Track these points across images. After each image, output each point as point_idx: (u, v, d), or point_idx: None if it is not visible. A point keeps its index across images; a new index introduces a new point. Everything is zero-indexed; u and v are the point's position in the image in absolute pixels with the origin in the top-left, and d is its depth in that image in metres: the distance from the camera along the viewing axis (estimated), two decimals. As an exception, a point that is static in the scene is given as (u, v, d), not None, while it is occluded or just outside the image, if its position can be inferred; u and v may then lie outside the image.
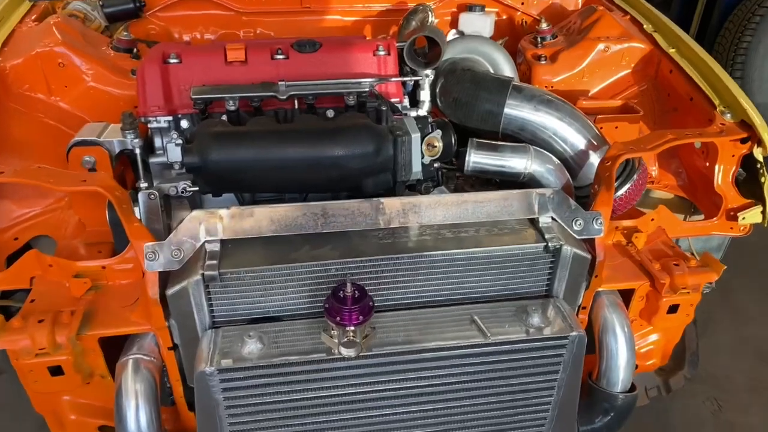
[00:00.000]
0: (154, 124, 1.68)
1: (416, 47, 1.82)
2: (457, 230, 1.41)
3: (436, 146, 1.48)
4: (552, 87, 2.12)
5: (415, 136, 1.45)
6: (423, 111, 1.85)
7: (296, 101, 1.70)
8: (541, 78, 2.11)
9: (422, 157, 1.47)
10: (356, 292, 1.24)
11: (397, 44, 1.82)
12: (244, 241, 1.34)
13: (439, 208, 1.39)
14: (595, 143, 1.68)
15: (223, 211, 1.32)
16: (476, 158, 1.58)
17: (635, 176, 1.67)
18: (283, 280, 1.33)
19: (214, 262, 1.29)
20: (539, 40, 2.19)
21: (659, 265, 1.62)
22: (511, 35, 2.50)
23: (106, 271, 1.47)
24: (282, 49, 1.74)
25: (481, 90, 1.70)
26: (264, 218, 1.33)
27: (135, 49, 1.99)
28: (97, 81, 1.88)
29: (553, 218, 1.43)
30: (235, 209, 1.33)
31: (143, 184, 1.53)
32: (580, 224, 1.43)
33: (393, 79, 1.76)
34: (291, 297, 1.35)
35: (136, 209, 1.53)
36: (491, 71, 1.88)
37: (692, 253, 2.05)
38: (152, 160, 1.72)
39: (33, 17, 2.08)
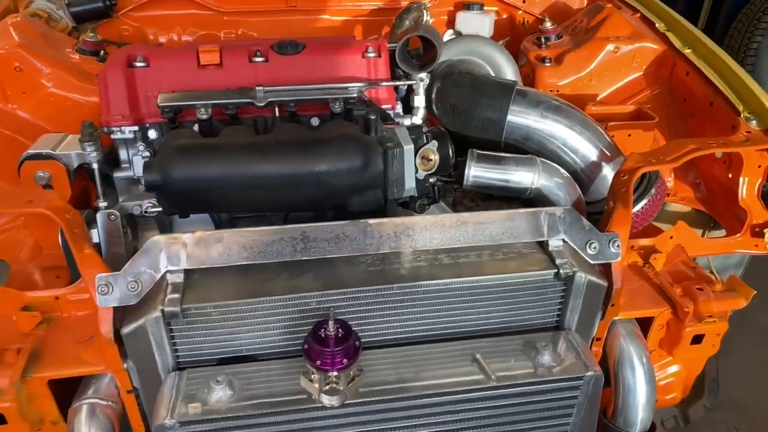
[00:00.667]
0: (118, 135, 1.51)
1: (410, 48, 1.65)
2: (456, 255, 1.24)
3: (431, 159, 1.31)
4: (557, 91, 1.95)
5: (408, 148, 1.28)
6: (417, 118, 1.69)
7: (277, 108, 1.54)
8: (545, 81, 1.95)
9: (416, 172, 1.30)
10: (340, 330, 1.07)
11: (389, 45, 1.65)
12: (212, 270, 1.17)
13: (435, 230, 1.22)
14: (609, 154, 1.52)
15: (187, 237, 1.15)
16: (477, 172, 1.41)
17: (653, 190, 1.50)
18: (256, 315, 1.16)
19: (176, 296, 1.12)
20: (543, 40, 2.03)
21: (681, 290, 1.45)
22: (513, 36, 2.33)
23: (59, 301, 1.30)
24: (261, 51, 1.57)
25: (482, 95, 1.53)
26: (234, 244, 1.16)
27: (102, 52, 1.82)
28: (59, 87, 1.71)
29: (564, 241, 1.26)
30: (201, 234, 1.16)
31: (102, 203, 1.36)
32: (595, 247, 1.26)
33: (384, 83, 1.59)
34: (266, 334, 1.18)
35: (95, 231, 1.36)
36: (492, 74, 1.71)
37: (712, 272, 1.89)
38: (117, 174, 1.55)
39: (-9, 17, 1.90)
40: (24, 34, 1.73)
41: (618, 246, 1.27)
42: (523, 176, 1.41)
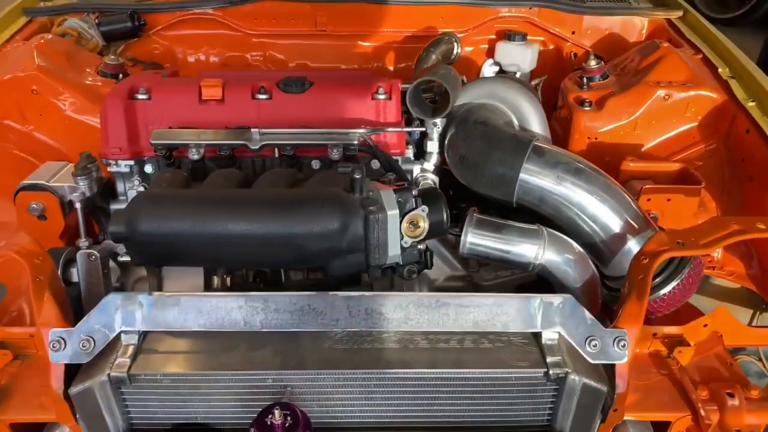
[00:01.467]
0: (114, 168, 1.48)
1: (432, 85, 1.53)
2: (436, 338, 1.11)
3: (420, 226, 1.18)
4: (596, 138, 1.77)
5: (392, 214, 1.16)
6: (429, 164, 1.57)
7: (276, 149, 1.46)
8: (583, 126, 1.76)
9: (401, 239, 1.18)
10: (288, 418, 0.98)
11: (402, 86, 1.54)
12: (170, 332, 1.10)
13: (412, 310, 1.10)
14: (635, 225, 1.33)
15: (143, 297, 1.09)
16: (474, 239, 1.27)
17: (686, 270, 1.30)
18: (209, 387, 1.08)
19: (126, 360, 1.06)
20: (585, 80, 1.83)
21: (707, 393, 1.24)
22: (558, 69, 2.15)
23: (34, 339, 1.28)
24: (265, 88, 1.50)
25: (494, 149, 1.38)
26: (191, 309, 1.09)
27: (121, 75, 1.81)
28: (75, 110, 1.72)
29: (561, 333, 1.10)
30: (158, 296, 1.09)
31: (83, 243, 1.33)
32: (596, 345, 1.09)
33: (389, 129, 1.48)
34: (220, 406, 1.10)
35: (75, 270, 1.34)
36: (515, 123, 1.55)
37: (761, 358, 1.65)
38: (114, 207, 1.53)
39: (25, 35, 1.94)
40: (46, 56, 1.74)
41: (624, 346, 1.10)
42: (526, 249, 1.25)
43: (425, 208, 1.19)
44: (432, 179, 1.55)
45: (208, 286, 1.35)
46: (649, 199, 1.51)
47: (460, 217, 1.66)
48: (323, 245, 1.15)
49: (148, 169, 1.49)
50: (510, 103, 1.56)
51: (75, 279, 1.34)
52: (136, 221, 1.14)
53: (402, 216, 1.18)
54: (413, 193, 1.20)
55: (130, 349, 1.09)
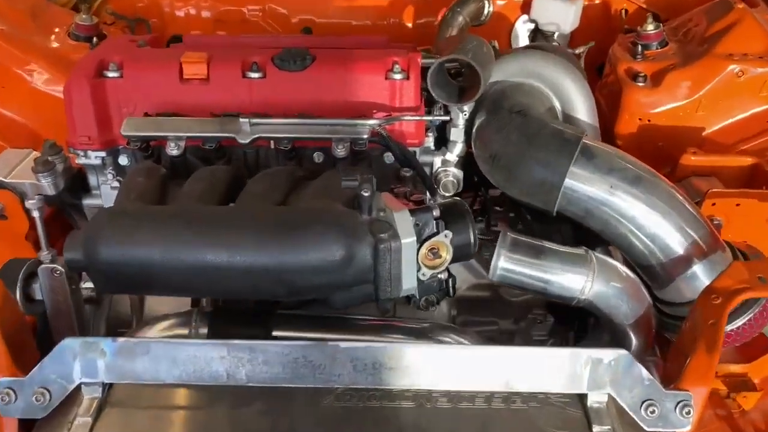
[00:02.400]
0: (83, 160, 1.27)
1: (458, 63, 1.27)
2: (458, 395, 0.92)
3: (441, 256, 0.96)
4: (648, 120, 1.50)
5: (408, 242, 0.94)
6: (452, 155, 1.33)
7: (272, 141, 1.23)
8: (634, 105, 1.50)
9: (419, 270, 0.97)
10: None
11: (424, 61, 1.27)
12: (140, 384, 0.93)
13: (429, 364, 0.90)
14: (703, 246, 1.09)
15: (106, 343, 0.90)
16: (507, 264, 1.05)
17: (761, 304, 1.08)
18: (186, 450, 0.91)
19: (87, 420, 0.89)
20: (640, 48, 1.54)
21: (776, 447, 1.06)
22: (605, 30, 1.84)
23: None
24: (258, 64, 1.25)
25: (534, 147, 1.14)
26: (164, 358, 0.90)
27: (95, 39, 1.56)
28: (42, 81, 1.48)
29: (611, 395, 0.90)
30: (124, 342, 0.91)
31: (45, 255, 1.13)
32: (654, 411, 0.89)
33: (407, 117, 1.23)
34: (201, 469, 0.94)
35: (37, 286, 1.15)
36: (557, 109, 1.29)
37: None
38: (87, 202, 1.33)
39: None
40: (5, 17, 1.49)
41: (689, 413, 0.89)
42: (571, 280, 1.03)
43: (449, 233, 0.96)
44: (455, 175, 1.32)
45: (195, 303, 1.17)
46: (714, 204, 1.26)
47: (483, 212, 1.47)
48: (322, 280, 0.94)
49: (123, 160, 1.27)
50: (552, 84, 1.30)
51: (38, 296, 1.16)
52: (96, 247, 0.94)
53: (420, 243, 0.96)
54: (434, 213, 0.97)
55: (93, 404, 0.91)
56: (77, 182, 1.30)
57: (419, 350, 0.92)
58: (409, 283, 0.98)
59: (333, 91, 1.25)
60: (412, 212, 0.96)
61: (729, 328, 1.09)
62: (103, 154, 1.26)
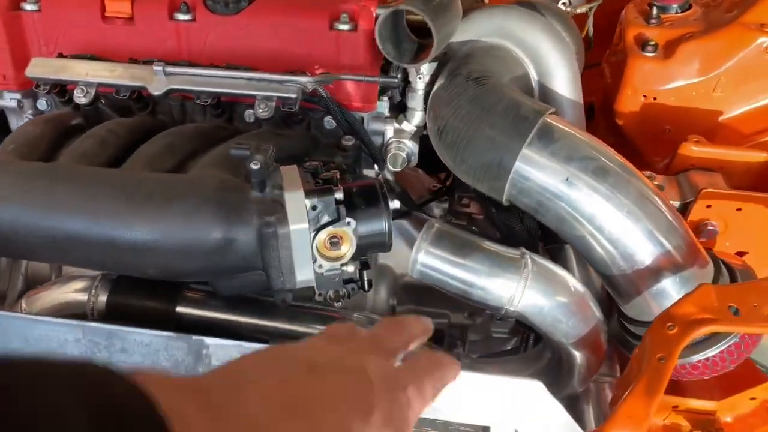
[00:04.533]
0: (0, 102, 1.16)
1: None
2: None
3: (342, 249, 0.81)
4: (654, 98, 1.27)
5: (298, 229, 0.79)
6: (410, 125, 1.16)
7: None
8: (637, 79, 1.27)
9: (314, 261, 0.82)
10: None
11: (378, 10, 1.09)
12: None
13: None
14: (677, 258, 0.90)
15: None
16: (427, 260, 0.89)
17: (738, 336, 0.89)
18: None
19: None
20: (656, 11, 1.30)
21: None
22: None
23: None
24: (188, 5, 1.09)
25: (484, 123, 0.95)
26: (15, 335, 0.81)
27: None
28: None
29: (519, 432, 0.76)
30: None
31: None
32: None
33: (345, 76, 1.06)
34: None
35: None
36: (533, 78, 1.09)
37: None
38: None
39: None
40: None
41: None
42: (497, 286, 0.87)
43: (352, 222, 0.81)
44: (407, 148, 1.15)
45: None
46: (709, 206, 1.05)
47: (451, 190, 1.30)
48: (196, 263, 0.81)
49: (42, 105, 1.15)
50: (529, 48, 1.09)
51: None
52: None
53: (316, 231, 0.81)
54: (337, 197, 0.81)
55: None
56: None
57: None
58: (304, 275, 0.84)
59: (269, 41, 1.08)
60: (309, 193, 0.81)
61: (697, 357, 0.91)
62: (18, 96, 1.15)
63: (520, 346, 1.29)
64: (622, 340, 1.00)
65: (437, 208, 1.37)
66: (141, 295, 1.01)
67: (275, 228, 0.79)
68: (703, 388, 1.01)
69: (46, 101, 1.15)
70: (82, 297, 1.03)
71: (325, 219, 0.81)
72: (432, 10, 0.99)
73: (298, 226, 0.79)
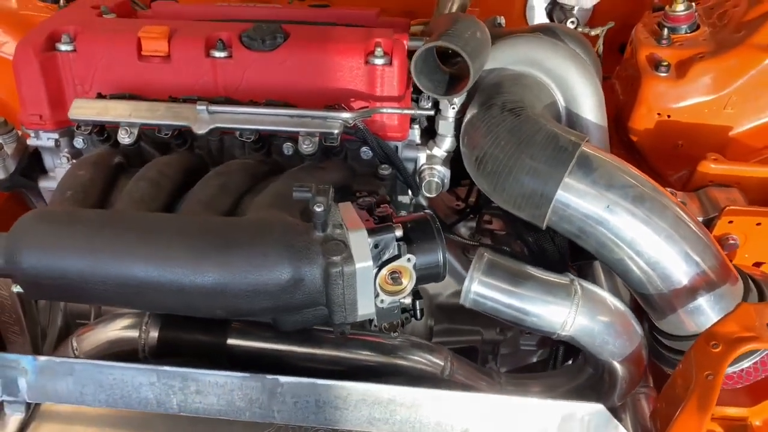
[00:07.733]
0: (35, 141, 1.17)
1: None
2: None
3: (402, 283, 0.85)
4: (668, 116, 1.33)
5: (363, 267, 0.83)
6: (440, 151, 1.20)
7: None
8: (652, 98, 1.33)
9: (377, 296, 0.86)
10: None
11: (409, 44, 1.13)
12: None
13: (376, 408, 0.81)
14: (712, 277, 0.96)
15: (27, 361, 0.83)
16: (481, 289, 0.93)
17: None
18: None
19: (7, 440, 0.83)
20: (666, 31, 1.36)
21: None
22: (632, 4, 1.64)
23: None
24: (224, 42, 1.12)
25: (524, 153, 1.00)
26: (89, 381, 0.83)
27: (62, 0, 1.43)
28: (7, 48, 1.38)
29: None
30: (46, 361, 0.83)
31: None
32: (630, 476, 0.79)
33: (385, 109, 1.10)
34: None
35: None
36: (560, 104, 1.14)
37: None
38: (42, 184, 1.24)
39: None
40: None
41: (670, 481, 0.79)
42: (551, 312, 0.91)
43: (412, 257, 0.85)
44: (440, 174, 1.18)
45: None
46: (731, 222, 1.12)
47: (477, 209, 1.35)
48: (266, 303, 0.84)
49: (78, 143, 1.16)
50: (556, 76, 1.14)
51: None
52: (18, 253, 0.85)
53: (379, 267, 0.84)
54: (397, 234, 0.85)
55: (17, 425, 0.84)
56: (32, 164, 1.21)
57: (369, 389, 0.82)
58: (365, 309, 0.87)
59: (305, 76, 1.11)
60: (372, 232, 0.84)
61: (731, 369, 0.97)
62: (56, 135, 1.16)
63: (549, 357, 1.34)
64: (656, 353, 1.05)
65: (463, 227, 1.42)
66: (192, 329, 1.03)
67: (341, 267, 0.82)
68: (730, 394, 1.07)
69: (83, 139, 1.16)
70: (132, 333, 1.05)
71: (387, 256, 0.85)
72: (470, 48, 1.03)
73: (363, 264, 0.83)
